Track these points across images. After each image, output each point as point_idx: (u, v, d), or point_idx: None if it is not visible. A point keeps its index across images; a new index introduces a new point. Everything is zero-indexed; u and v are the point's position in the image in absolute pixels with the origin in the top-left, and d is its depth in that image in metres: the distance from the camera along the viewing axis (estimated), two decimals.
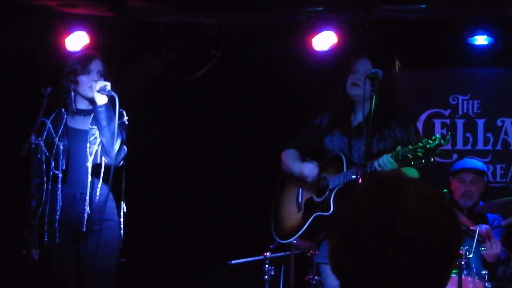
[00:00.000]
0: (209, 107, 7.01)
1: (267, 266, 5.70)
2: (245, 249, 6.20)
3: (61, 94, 4.99)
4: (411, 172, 4.52)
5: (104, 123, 4.83)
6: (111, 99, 4.93)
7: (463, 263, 5.04)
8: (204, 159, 6.97)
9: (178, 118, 6.97)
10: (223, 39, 6.45)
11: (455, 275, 4.95)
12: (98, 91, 4.86)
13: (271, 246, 5.71)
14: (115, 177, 4.95)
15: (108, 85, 4.87)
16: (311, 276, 5.63)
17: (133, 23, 6.42)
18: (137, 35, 6.52)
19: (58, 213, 4.87)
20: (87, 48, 5.76)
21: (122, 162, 4.94)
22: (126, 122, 5.03)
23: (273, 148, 6.19)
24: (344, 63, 5.79)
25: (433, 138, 4.32)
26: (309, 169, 4.85)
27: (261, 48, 6.58)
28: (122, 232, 4.99)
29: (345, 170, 4.67)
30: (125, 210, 5.01)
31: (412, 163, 4.38)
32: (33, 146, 4.86)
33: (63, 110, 5.00)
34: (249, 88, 6.94)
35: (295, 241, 5.04)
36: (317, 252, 5.51)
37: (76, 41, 6.20)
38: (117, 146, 4.85)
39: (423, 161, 4.31)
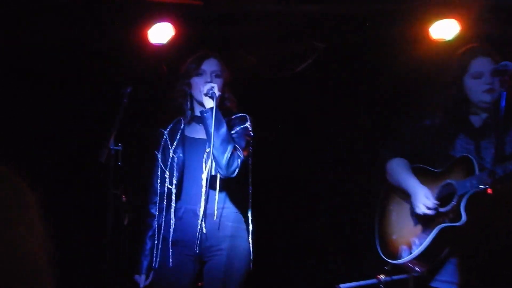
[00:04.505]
0: (311, 106, 6.67)
1: None
2: (356, 271, 5.78)
3: (178, 99, 4.90)
4: None
5: (211, 129, 4.63)
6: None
7: None
8: (304, 165, 6.70)
9: (275, 119, 6.65)
10: (326, 29, 6.13)
11: None
12: (206, 94, 4.68)
13: (385, 267, 5.20)
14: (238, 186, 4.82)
15: (215, 87, 4.68)
16: None
17: (222, 12, 6.07)
18: (227, 26, 6.16)
19: (172, 233, 4.76)
20: (203, 47, 5.33)
21: (236, 172, 4.69)
22: (250, 128, 4.88)
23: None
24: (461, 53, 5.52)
25: None
26: (423, 201, 4.44)
27: (370, 38, 6.18)
28: (251, 251, 4.82)
29: (477, 172, 4.26)
30: (251, 224, 4.84)
31: None
32: (113, 152, 4.61)
33: (182, 119, 4.92)
34: (357, 83, 6.56)
35: (408, 262, 4.63)
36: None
37: (160, 33, 5.89)
38: (227, 154, 4.64)
39: None
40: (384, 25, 5.97)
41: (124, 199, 4.78)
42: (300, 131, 6.71)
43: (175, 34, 5.85)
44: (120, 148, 4.63)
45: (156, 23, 5.85)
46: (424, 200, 4.43)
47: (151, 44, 5.84)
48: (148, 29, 5.86)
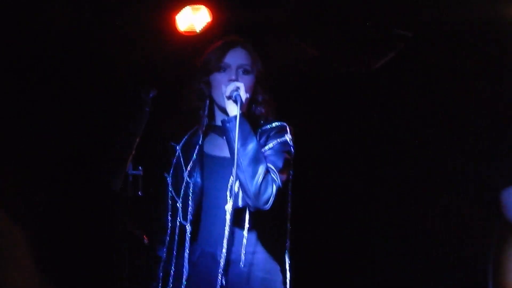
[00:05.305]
0: (390, 110, 5.99)
1: None
2: None
3: (194, 103, 4.23)
4: None
5: (237, 144, 3.99)
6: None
7: None
8: (375, 182, 6.07)
9: (342, 125, 6.04)
10: (412, 13, 5.44)
11: None
12: (229, 97, 4.01)
13: None
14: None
15: (241, 87, 3.99)
16: None
17: None
18: (279, 9, 5.54)
19: (185, 283, 4.12)
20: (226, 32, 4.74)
21: (271, 203, 3.96)
22: (290, 142, 4.13)
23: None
24: None
25: None
26: None
27: (468, 25, 5.41)
28: None
29: None
30: (289, 274, 4.14)
31: None
32: (130, 178, 4.11)
33: (199, 129, 4.25)
34: (453, 83, 5.77)
35: None
36: None
37: (192, 19, 5.42)
38: (258, 178, 3.94)
39: None
40: (487, 7, 5.25)
41: (146, 240, 4.43)
42: (372, 146, 6.05)
43: (212, 21, 5.40)
44: (140, 172, 4.10)
45: (186, 6, 5.40)
46: None
47: (180, 33, 5.39)
48: (176, 14, 5.42)
